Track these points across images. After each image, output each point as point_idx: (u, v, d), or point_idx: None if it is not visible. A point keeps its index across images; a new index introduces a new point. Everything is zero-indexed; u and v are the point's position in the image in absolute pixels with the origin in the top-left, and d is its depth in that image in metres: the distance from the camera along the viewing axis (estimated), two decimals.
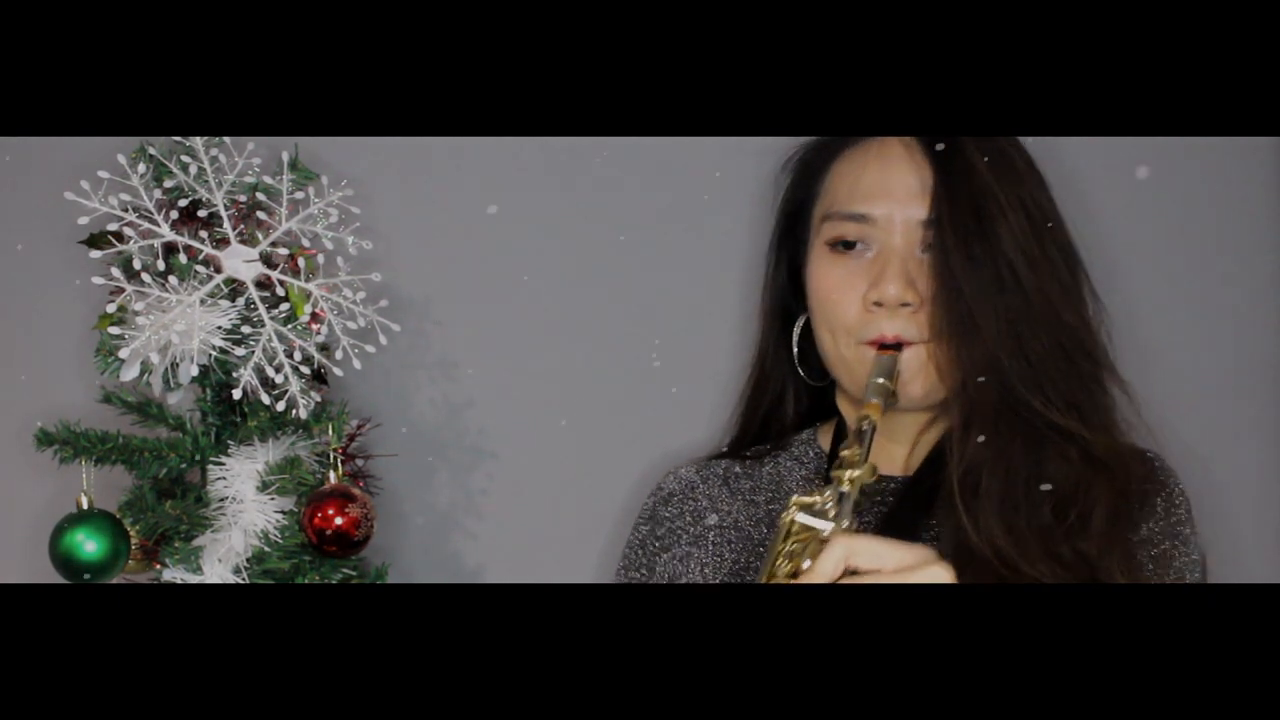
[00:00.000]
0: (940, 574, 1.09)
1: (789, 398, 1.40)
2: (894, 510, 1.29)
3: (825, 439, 1.38)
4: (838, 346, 1.29)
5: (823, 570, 1.10)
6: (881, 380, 1.23)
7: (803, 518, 1.17)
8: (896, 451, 1.32)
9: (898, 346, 1.25)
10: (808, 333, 1.35)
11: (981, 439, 1.22)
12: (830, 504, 1.16)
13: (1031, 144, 1.32)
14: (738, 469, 1.40)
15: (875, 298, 1.25)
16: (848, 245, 1.28)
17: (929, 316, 1.24)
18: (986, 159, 1.25)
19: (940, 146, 1.25)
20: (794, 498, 1.18)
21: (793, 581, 1.13)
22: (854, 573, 1.10)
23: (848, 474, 1.17)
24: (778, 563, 1.15)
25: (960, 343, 1.23)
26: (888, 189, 1.27)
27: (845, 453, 1.19)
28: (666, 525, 1.38)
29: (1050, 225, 1.27)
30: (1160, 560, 1.24)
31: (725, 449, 1.43)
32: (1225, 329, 1.60)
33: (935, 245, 1.24)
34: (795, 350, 1.36)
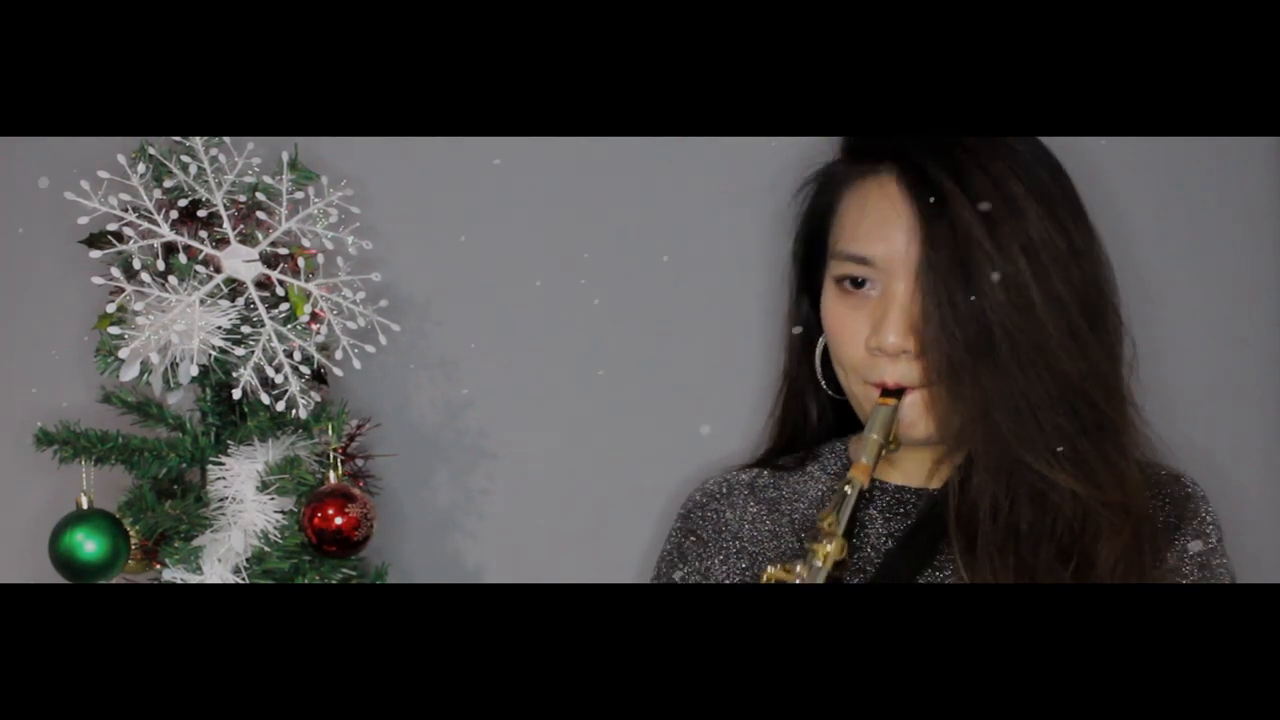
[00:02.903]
0: None
1: (812, 412, 1.39)
2: (908, 537, 1.29)
3: (855, 449, 1.38)
4: (848, 382, 1.29)
5: None
6: (875, 436, 1.22)
7: None
8: (920, 467, 1.31)
9: (899, 392, 1.24)
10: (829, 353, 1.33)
11: (977, 488, 1.21)
12: (801, 579, 1.19)
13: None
14: (766, 479, 1.39)
15: (875, 344, 1.24)
16: (856, 283, 1.26)
17: (925, 364, 1.22)
18: (973, 206, 1.20)
19: (932, 199, 1.22)
20: (769, 569, 1.21)
21: None
22: None
23: (823, 549, 1.19)
24: None
25: (955, 393, 1.21)
26: (886, 231, 1.24)
27: (823, 522, 1.20)
28: (694, 536, 1.38)
29: (1060, 260, 1.22)
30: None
31: (759, 459, 1.43)
32: (1225, 330, 1.60)
33: (923, 295, 1.21)
34: (818, 368, 1.35)
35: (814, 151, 1.39)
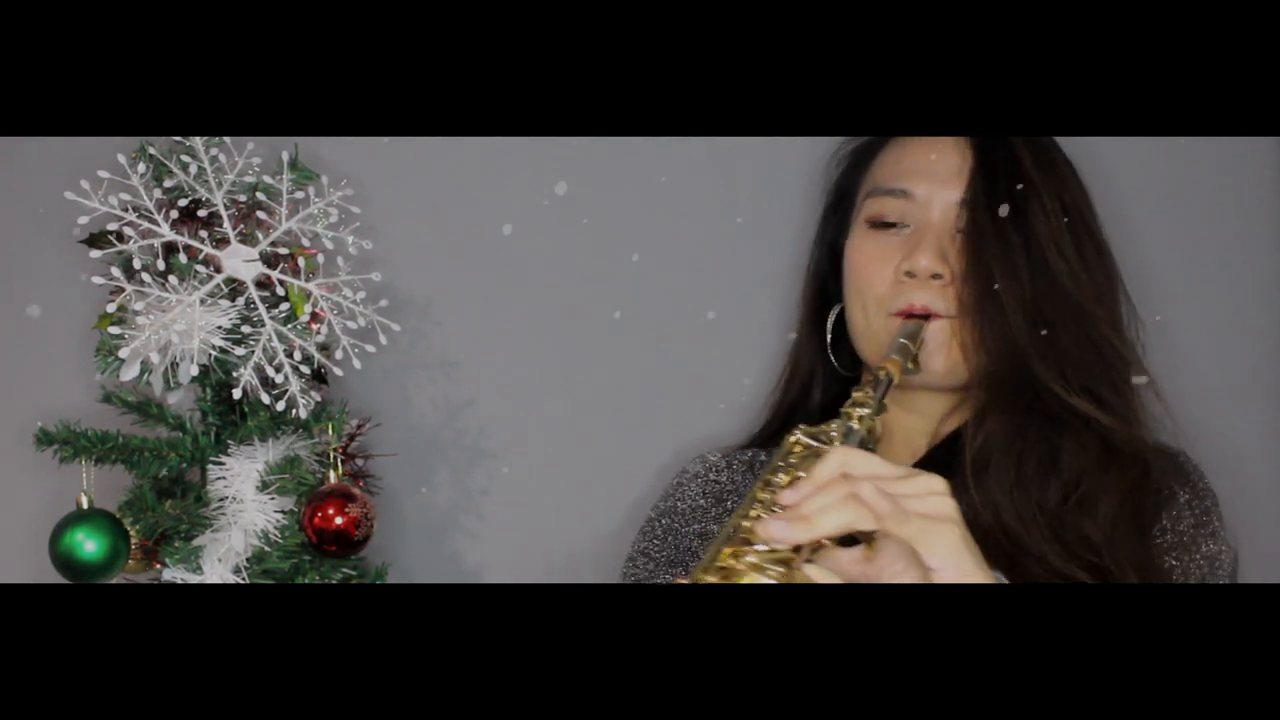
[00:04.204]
0: (935, 483, 1.04)
1: (816, 386, 1.43)
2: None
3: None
4: (868, 319, 1.31)
5: (818, 475, 1.03)
6: (904, 341, 1.25)
7: (806, 440, 1.14)
8: (920, 430, 1.33)
9: (925, 317, 1.28)
10: (841, 324, 1.37)
11: (998, 418, 1.25)
12: (835, 434, 1.14)
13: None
14: (764, 456, 1.42)
15: (908, 268, 1.28)
16: (888, 224, 1.31)
17: (957, 292, 1.27)
18: (1032, 154, 1.28)
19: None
20: (800, 426, 1.16)
21: (784, 491, 1.06)
22: (848, 477, 1.03)
23: (858, 412, 1.15)
24: (774, 475, 1.10)
25: (984, 321, 1.25)
26: (929, 169, 1.30)
27: (858, 394, 1.17)
28: (688, 503, 1.40)
29: (1089, 232, 1.30)
30: (1184, 546, 1.25)
31: (753, 438, 1.46)
32: (1225, 330, 1.60)
33: (968, 223, 1.27)
34: (829, 336, 1.39)
35: (817, 152, 1.40)
